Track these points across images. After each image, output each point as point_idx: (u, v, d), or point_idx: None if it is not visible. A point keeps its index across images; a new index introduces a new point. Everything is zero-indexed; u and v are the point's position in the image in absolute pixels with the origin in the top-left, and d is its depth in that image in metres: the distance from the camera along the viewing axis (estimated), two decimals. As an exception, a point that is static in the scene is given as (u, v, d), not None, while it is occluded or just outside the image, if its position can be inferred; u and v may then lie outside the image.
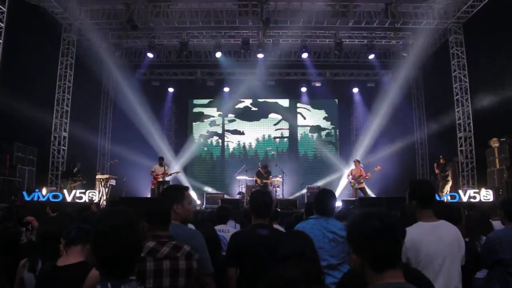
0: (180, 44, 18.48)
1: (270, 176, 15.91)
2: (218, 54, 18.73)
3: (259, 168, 15.96)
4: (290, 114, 21.80)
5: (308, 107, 21.92)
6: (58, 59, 16.68)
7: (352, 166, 15.89)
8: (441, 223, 3.39)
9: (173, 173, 16.73)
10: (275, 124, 21.76)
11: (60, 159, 16.47)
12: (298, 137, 21.78)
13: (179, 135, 21.80)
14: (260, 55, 18.54)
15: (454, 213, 4.27)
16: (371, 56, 18.87)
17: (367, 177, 15.45)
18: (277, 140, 21.69)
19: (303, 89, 21.11)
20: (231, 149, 21.51)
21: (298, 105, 21.96)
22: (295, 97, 21.67)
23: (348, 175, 15.74)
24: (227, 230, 5.17)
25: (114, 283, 1.94)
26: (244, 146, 21.52)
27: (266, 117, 21.84)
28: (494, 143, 15.23)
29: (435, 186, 15.36)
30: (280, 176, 16.64)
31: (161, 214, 3.20)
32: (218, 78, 20.84)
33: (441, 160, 15.25)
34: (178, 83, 21.05)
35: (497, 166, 15.10)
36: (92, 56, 18.86)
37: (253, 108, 21.89)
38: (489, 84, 14.65)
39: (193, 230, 3.57)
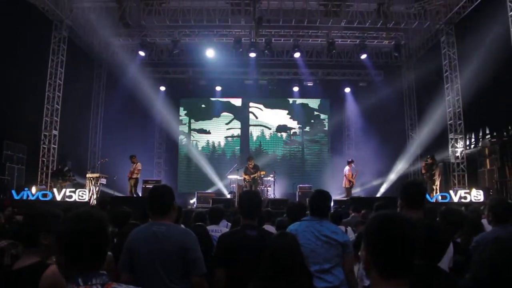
0: (172, 42, 18.42)
1: (259, 171, 15.63)
2: (210, 53, 18.73)
3: (247, 165, 15.73)
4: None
5: (261, 106, 22.03)
6: (49, 57, 16.49)
7: (346, 166, 15.88)
8: None
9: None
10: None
11: (50, 158, 16.30)
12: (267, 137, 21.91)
13: (171, 134, 21.71)
14: (252, 54, 18.49)
15: (455, 216, 4.27)
16: (363, 56, 18.90)
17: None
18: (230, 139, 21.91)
19: (295, 89, 21.08)
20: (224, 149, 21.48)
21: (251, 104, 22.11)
22: (287, 96, 21.67)
23: (350, 174, 15.67)
24: (219, 230, 5.13)
25: (85, 278, 1.92)
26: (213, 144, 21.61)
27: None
28: (485, 143, 15.32)
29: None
30: (272, 175, 16.58)
31: None
32: (210, 77, 20.75)
33: (429, 160, 15.28)
34: (170, 82, 20.93)
35: (488, 167, 15.20)
36: (83, 54, 18.81)
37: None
38: (480, 85, 14.71)
39: (186, 230, 3.53)
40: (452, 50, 16.95)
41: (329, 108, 21.92)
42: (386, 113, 19.34)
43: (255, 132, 21.76)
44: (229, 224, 6.28)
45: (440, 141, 17.18)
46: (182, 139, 21.60)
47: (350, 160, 15.94)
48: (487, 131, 15.64)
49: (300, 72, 20.63)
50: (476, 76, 14.92)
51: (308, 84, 20.75)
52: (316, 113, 22.03)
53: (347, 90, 21.27)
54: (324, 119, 22.01)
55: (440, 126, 17.15)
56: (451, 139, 16.81)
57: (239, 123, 21.88)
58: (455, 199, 13.54)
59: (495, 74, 13.64)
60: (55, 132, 16.51)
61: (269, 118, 21.89)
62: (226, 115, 21.92)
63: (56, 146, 16.51)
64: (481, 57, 14.31)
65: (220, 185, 19.25)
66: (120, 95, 18.84)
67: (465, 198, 13.56)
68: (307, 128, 21.88)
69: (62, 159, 16.53)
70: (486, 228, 4.89)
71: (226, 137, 21.71)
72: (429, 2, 16.61)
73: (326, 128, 21.97)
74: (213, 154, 21.31)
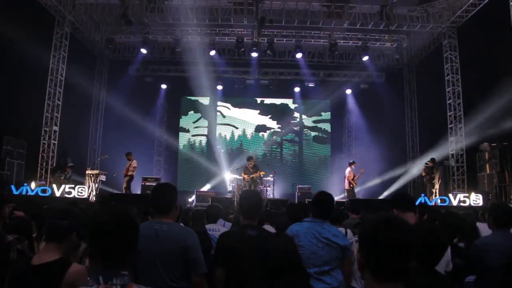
0: (174, 40, 18.44)
1: (259, 171, 15.63)
2: (212, 53, 18.72)
3: (247, 165, 15.70)
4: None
5: (228, 105, 21.90)
6: (51, 52, 16.49)
7: (347, 168, 15.80)
8: None
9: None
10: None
11: (50, 153, 16.30)
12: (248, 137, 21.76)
13: (171, 132, 21.68)
14: (254, 54, 18.49)
15: (455, 219, 4.30)
16: (365, 58, 18.92)
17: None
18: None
19: (296, 89, 21.06)
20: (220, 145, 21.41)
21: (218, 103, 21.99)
22: (288, 97, 21.59)
23: (352, 176, 15.61)
24: (217, 229, 5.11)
25: (106, 276, 1.93)
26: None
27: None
28: (485, 148, 15.31)
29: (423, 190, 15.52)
30: (271, 175, 16.57)
31: None
32: (211, 76, 20.72)
33: (430, 163, 15.28)
34: (171, 80, 20.92)
35: (488, 171, 15.20)
36: (85, 50, 18.79)
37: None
38: (481, 89, 14.71)
39: (188, 229, 3.53)
40: (454, 53, 16.95)
41: (330, 109, 21.86)
42: (387, 115, 19.36)
43: (236, 131, 21.65)
44: (226, 223, 6.26)
45: (440, 144, 17.16)
46: (182, 137, 21.58)
47: (351, 161, 15.86)
48: (488, 135, 15.59)
49: (301, 72, 20.63)
50: (478, 80, 14.92)
51: (309, 85, 20.74)
52: (296, 113, 21.91)
53: (348, 91, 21.26)
54: (297, 118, 21.86)
55: (441, 129, 17.14)
56: (452, 142, 16.82)
57: (206, 121, 21.90)
58: (454, 203, 13.52)
59: (497, 78, 13.63)
60: (56, 128, 16.51)
61: (249, 117, 21.79)
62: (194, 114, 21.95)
63: (56, 142, 16.51)
64: (483, 61, 14.31)
65: (221, 181, 19.12)
66: (121, 92, 18.87)
67: (464, 202, 13.53)
68: (280, 129, 21.72)
69: (62, 154, 16.53)
70: (481, 232, 4.92)
71: (200, 136, 21.74)
72: (432, 5, 16.61)
73: (297, 128, 21.82)
74: (200, 152, 21.30)
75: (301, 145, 21.76)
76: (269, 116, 21.75)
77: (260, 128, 21.68)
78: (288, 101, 21.88)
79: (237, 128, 21.63)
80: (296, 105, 21.88)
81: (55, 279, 2.63)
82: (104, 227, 2.01)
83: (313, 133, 21.80)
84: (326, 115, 21.92)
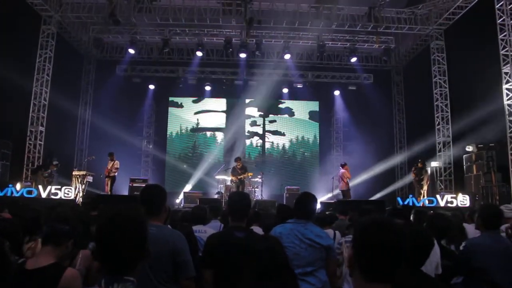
0: (162, 41, 18.35)
1: (247, 172, 15.49)
2: (199, 54, 18.67)
3: (235, 165, 15.61)
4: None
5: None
6: (37, 51, 16.30)
7: (341, 169, 15.79)
8: None
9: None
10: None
11: (36, 154, 16.11)
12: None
13: (159, 132, 21.55)
14: (243, 55, 18.46)
15: (442, 221, 4.31)
16: (353, 59, 18.99)
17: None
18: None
19: (285, 90, 20.99)
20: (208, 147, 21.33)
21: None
22: (276, 98, 21.46)
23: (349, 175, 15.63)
24: (204, 231, 5.07)
25: (108, 280, 1.88)
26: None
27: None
28: (472, 149, 15.43)
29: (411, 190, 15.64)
30: (259, 176, 16.53)
31: None
32: (199, 76, 20.62)
33: (419, 164, 15.35)
34: (159, 80, 20.78)
35: (474, 172, 15.30)
36: (72, 50, 18.61)
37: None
38: (468, 91, 14.82)
39: (177, 232, 3.48)
40: (441, 55, 17.09)
41: (318, 110, 21.85)
42: (375, 116, 19.47)
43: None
44: (223, 225, 6.20)
45: (428, 145, 17.27)
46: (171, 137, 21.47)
47: (343, 163, 15.87)
48: (475, 137, 15.72)
49: (290, 74, 20.62)
50: (465, 82, 15.04)
51: (298, 86, 20.71)
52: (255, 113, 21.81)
53: (337, 93, 21.27)
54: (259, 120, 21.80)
55: (428, 131, 17.26)
56: (439, 143, 16.94)
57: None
58: (442, 204, 13.60)
59: (483, 80, 13.75)
60: (42, 128, 16.34)
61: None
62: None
63: (42, 143, 16.33)
64: (470, 63, 14.42)
65: (210, 182, 18.96)
66: (109, 93, 18.73)
67: (451, 202, 13.62)
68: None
69: (48, 155, 16.34)
70: (468, 233, 4.95)
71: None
72: (420, 7, 16.72)
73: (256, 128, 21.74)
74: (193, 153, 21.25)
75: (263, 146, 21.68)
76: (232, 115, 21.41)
77: (222, 129, 21.55)
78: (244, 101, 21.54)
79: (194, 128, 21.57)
80: (256, 108, 21.67)
81: (50, 284, 2.61)
82: (102, 231, 1.94)
83: (271, 137, 21.63)
84: (283, 117, 21.76)
